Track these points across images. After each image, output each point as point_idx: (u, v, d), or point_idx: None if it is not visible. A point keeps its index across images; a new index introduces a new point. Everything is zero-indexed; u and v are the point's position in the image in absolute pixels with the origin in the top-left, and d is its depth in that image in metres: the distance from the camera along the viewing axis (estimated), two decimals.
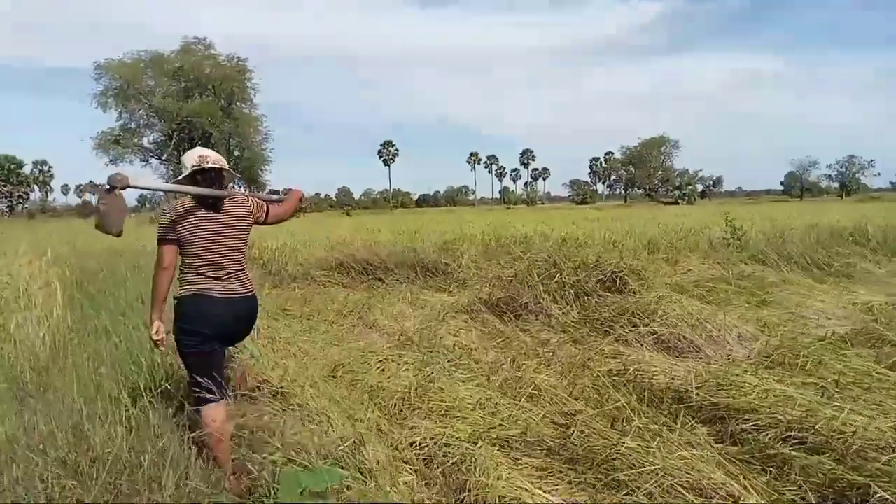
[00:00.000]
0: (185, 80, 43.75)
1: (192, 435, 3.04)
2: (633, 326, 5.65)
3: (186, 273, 3.20)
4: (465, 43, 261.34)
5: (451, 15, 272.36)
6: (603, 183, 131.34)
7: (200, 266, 3.18)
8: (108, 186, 2.93)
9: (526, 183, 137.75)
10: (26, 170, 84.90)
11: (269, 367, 4.16)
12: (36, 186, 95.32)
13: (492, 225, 15.34)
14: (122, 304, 7.15)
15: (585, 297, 6.48)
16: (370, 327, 7.02)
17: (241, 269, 3.31)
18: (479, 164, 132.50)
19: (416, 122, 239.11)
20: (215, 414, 3.08)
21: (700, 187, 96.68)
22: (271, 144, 48.66)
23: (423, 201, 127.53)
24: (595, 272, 6.64)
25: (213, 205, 3.23)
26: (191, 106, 42.66)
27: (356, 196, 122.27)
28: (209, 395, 3.03)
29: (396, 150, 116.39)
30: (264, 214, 3.48)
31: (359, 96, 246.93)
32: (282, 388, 3.30)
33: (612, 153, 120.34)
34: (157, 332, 3.18)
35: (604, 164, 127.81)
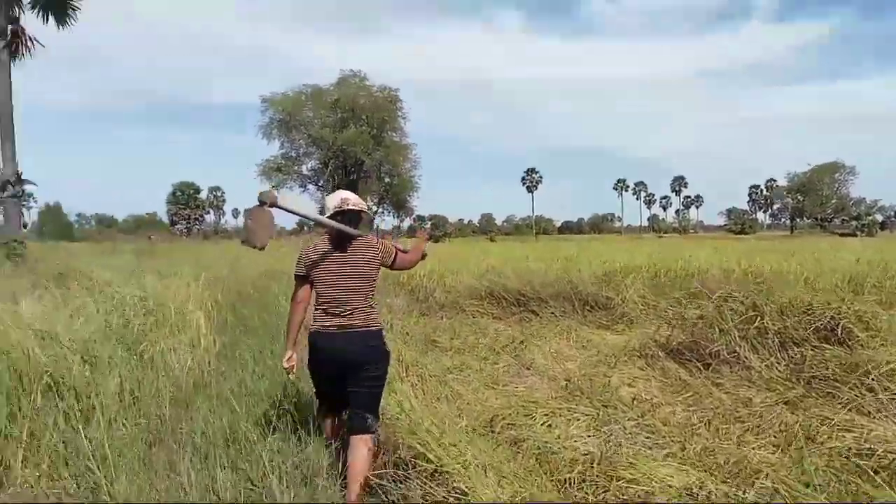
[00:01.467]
0: (340, 110, 45.90)
1: None
2: (870, 390, 4.44)
3: (315, 308, 3.42)
4: (613, 68, 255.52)
5: (596, 41, 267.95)
6: (763, 212, 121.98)
7: (323, 303, 3.38)
8: (258, 202, 3.06)
9: (677, 210, 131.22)
10: (203, 195, 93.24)
11: (421, 418, 3.53)
12: (211, 210, 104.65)
13: (655, 255, 14.04)
14: (271, 329, 6.96)
15: (795, 348, 5.30)
16: (528, 368, 6.27)
17: (361, 308, 3.38)
18: (626, 190, 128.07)
19: (561, 149, 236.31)
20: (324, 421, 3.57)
21: (880, 218, 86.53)
22: (420, 171, 49.71)
23: (567, 228, 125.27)
24: (807, 318, 5.43)
25: (342, 245, 3.39)
26: (345, 135, 44.54)
27: (498, 222, 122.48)
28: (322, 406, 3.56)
29: (540, 176, 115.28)
30: (392, 259, 3.57)
31: (504, 125, 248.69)
32: (441, 466, 2.63)
33: (775, 181, 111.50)
34: (287, 360, 3.44)
35: (765, 192, 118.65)
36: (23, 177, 16.45)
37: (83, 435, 2.95)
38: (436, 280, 11.24)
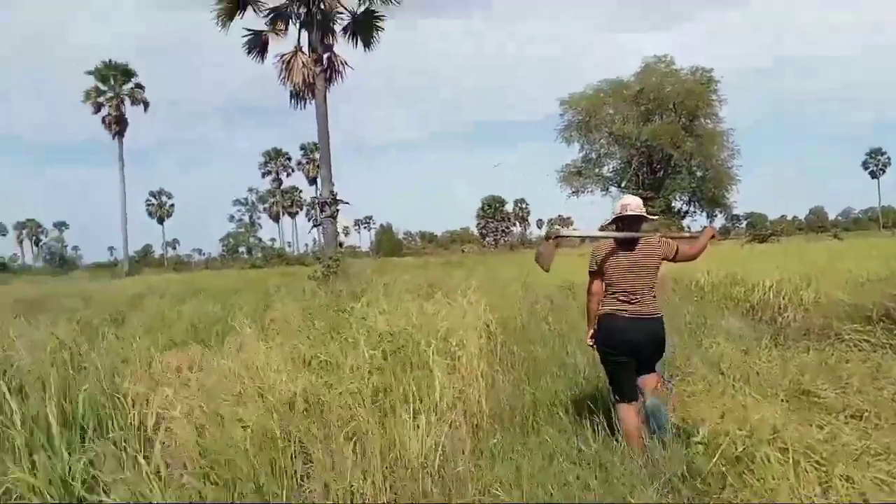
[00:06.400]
0: (644, 102, 42.69)
1: None
2: None
3: (606, 296, 4.06)
4: None
5: None
6: None
7: (615, 292, 4.01)
8: (545, 236, 4.29)
9: None
10: (508, 208, 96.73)
11: None
12: (516, 222, 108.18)
13: None
14: (568, 368, 5.18)
15: None
16: None
17: (649, 296, 4.02)
18: None
19: None
20: (624, 413, 3.89)
21: None
22: (739, 161, 43.42)
23: None
24: None
25: (628, 244, 4.03)
26: (650, 128, 41.28)
27: (831, 217, 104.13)
28: (619, 398, 3.96)
29: (888, 158, 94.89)
30: (673, 253, 4.11)
31: (839, 99, 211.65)
32: None
33: None
34: (590, 338, 4.18)
35: None
36: (337, 197, 17.56)
37: None
38: (789, 294, 8.33)
